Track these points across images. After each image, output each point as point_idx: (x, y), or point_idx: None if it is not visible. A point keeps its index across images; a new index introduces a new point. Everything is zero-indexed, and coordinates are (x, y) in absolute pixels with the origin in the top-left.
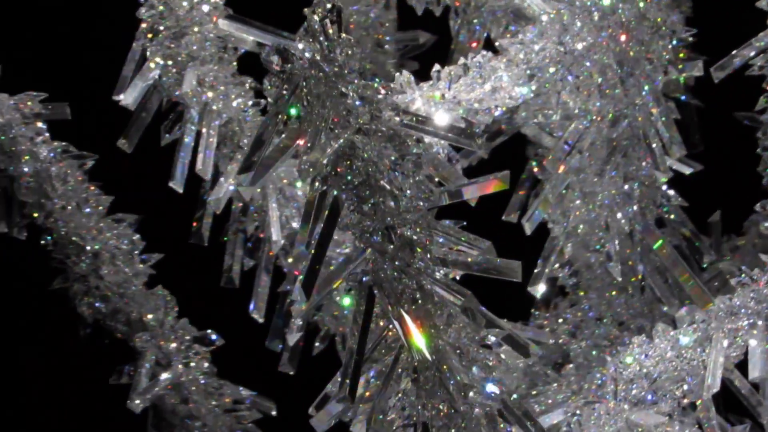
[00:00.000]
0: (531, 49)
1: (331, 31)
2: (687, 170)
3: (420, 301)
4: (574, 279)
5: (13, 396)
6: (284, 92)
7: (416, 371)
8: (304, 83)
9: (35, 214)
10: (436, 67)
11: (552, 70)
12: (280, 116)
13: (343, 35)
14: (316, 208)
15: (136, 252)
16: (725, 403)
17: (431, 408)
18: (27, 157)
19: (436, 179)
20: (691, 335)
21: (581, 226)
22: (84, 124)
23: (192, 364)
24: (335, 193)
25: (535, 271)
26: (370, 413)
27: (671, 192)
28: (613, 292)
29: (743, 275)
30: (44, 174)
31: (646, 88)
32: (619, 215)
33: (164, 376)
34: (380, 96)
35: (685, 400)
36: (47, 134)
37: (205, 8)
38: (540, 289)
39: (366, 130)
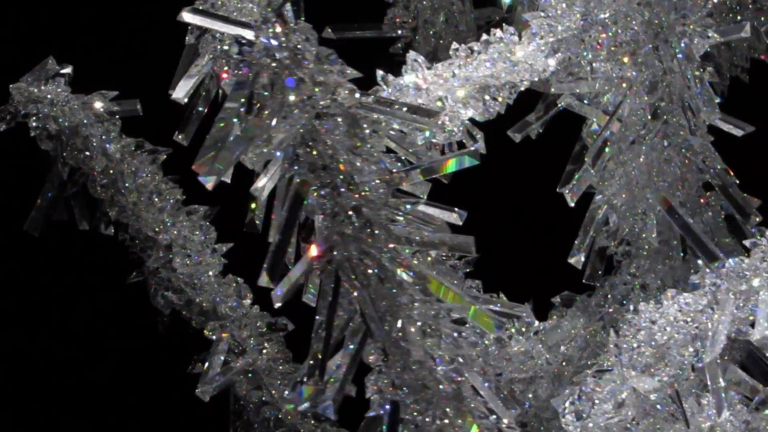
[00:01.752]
0: (555, 20)
1: (287, 18)
2: (738, 132)
3: (383, 282)
4: (624, 248)
5: (92, 389)
6: (242, 81)
7: (384, 352)
8: (261, 71)
9: (110, 211)
10: (454, 45)
11: (578, 39)
12: (238, 105)
13: (302, 21)
14: (282, 193)
15: (208, 243)
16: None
17: (401, 387)
18: (99, 155)
19: (404, 158)
20: (700, 299)
21: (623, 195)
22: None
23: (265, 350)
24: (299, 178)
25: (576, 242)
26: (339, 394)
27: (716, 155)
28: (657, 260)
29: (759, 236)
30: (116, 171)
31: (680, 54)
32: (659, 181)
33: (238, 363)
34: (338, 80)
35: (690, 366)
36: (119, 131)
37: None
38: (580, 260)
39: (324, 114)
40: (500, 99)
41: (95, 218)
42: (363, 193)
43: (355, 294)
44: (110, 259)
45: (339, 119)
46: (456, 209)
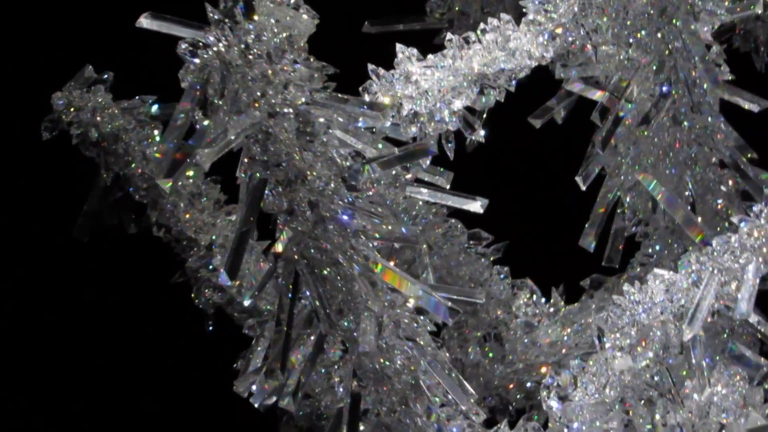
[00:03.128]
0: (553, 5)
1: (238, 18)
2: (754, 107)
3: (338, 275)
4: (643, 228)
5: (142, 390)
6: (195, 82)
7: (344, 344)
8: (213, 72)
9: (152, 214)
10: (448, 35)
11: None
12: (193, 107)
13: (256, 18)
14: (243, 191)
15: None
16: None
17: (361, 378)
18: (140, 160)
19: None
20: (685, 278)
21: (634, 176)
22: None
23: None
24: (258, 176)
25: (586, 225)
26: (297, 388)
27: (731, 131)
28: (672, 240)
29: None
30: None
31: (685, 35)
32: (668, 161)
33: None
34: (289, 77)
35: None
36: (159, 135)
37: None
38: (590, 243)
39: (276, 113)
40: (498, 87)
41: (142, 222)
42: (317, 189)
43: (312, 288)
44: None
45: (291, 117)
46: (477, 197)
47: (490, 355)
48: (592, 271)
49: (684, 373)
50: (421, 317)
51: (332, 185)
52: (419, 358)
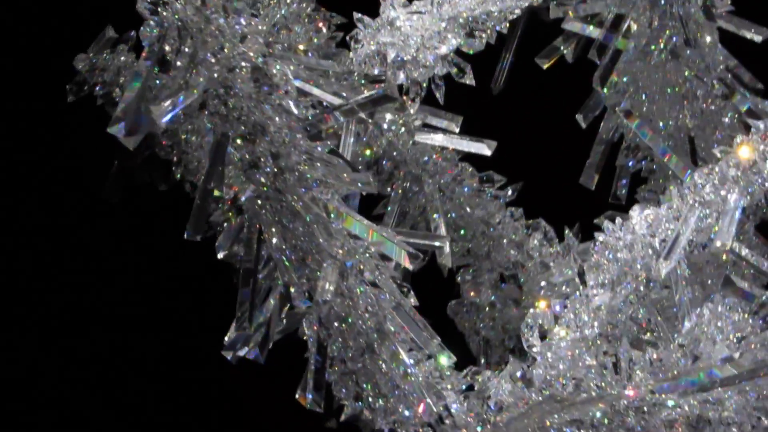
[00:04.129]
0: None
1: None
2: (757, 37)
3: (299, 225)
4: (650, 165)
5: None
6: (156, 38)
7: (309, 294)
8: (170, 29)
9: (176, 170)
10: None
11: None
12: (153, 62)
13: None
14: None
15: None
16: None
17: (327, 326)
18: None
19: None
20: (666, 212)
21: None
22: None
23: None
24: (220, 131)
25: (587, 162)
26: (267, 339)
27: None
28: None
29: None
30: (181, 131)
31: None
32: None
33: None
34: (246, 32)
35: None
36: None
37: None
38: (592, 180)
39: (234, 67)
40: (488, 30)
41: (170, 179)
42: (278, 141)
43: (274, 239)
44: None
45: (248, 70)
46: (486, 140)
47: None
48: (605, 209)
49: (668, 308)
50: (385, 263)
51: (293, 136)
52: (383, 303)
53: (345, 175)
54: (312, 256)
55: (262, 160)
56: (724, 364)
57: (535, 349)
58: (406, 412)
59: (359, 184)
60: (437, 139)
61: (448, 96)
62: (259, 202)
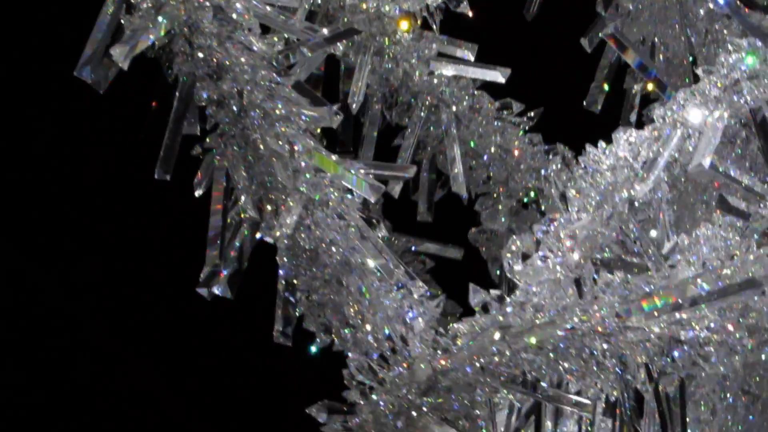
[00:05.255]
0: None
1: None
2: None
3: (264, 161)
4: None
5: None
6: None
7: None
8: None
9: None
10: None
11: None
12: (118, 7)
13: None
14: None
15: None
16: None
17: (295, 259)
18: None
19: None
20: (647, 133)
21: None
22: None
23: None
24: (186, 71)
25: (592, 85)
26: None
27: None
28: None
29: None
30: None
31: None
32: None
33: None
34: None
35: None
36: None
37: None
38: (597, 103)
39: (198, 8)
40: None
41: None
42: (243, 79)
43: (240, 176)
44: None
45: (209, 9)
46: (499, 68)
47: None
48: None
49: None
50: (350, 196)
51: (255, 74)
52: (349, 235)
53: (310, 109)
54: (277, 191)
55: (227, 98)
56: (695, 282)
57: (515, 274)
58: (373, 342)
59: (325, 118)
60: (453, 68)
61: (460, 26)
62: (225, 140)
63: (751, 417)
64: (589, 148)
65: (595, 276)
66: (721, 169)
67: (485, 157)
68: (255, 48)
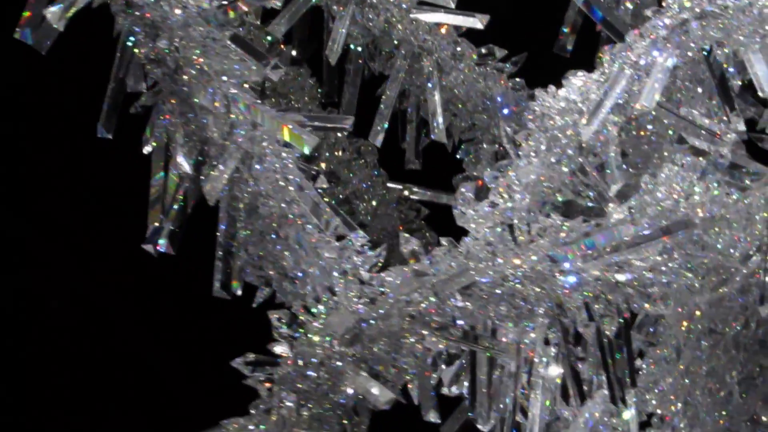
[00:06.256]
0: None
1: None
2: None
3: (199, 115)
4: None
5: None
6: None
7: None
8: None
9: None
10: None
11: None
12: None
13: None
14: None
15: None
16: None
17: (234, 213)
18: None
19: None
20: (596, 76)
21: None
22: None
23: None
24: (125, 28)
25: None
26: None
27: None
28: None
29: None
30: None
31: None
32: None
33: None
34: None
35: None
36: None
37: None
38: (567, 46)
39: None
40: None
41: None
42: (178, 35)
43: (178, 133)
44: None
45: None
46: (476, 14)
47: None
48: None
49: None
50: (290, 149)
51: (192, 29)
52: (286, 188)
53: (247, 63)
54: (212, 146)
55: (162, 55)
56: (626, 224)
57: (463, 220)
58: (312, 293)
59: (261, 72)
60: (433, 16)
61: None
62: (162, 97)
63: (715, 355)
64: (538, 92)
65: (536, 220)
66: (667, 109)
67: (468, 105)
68: (191, 3)
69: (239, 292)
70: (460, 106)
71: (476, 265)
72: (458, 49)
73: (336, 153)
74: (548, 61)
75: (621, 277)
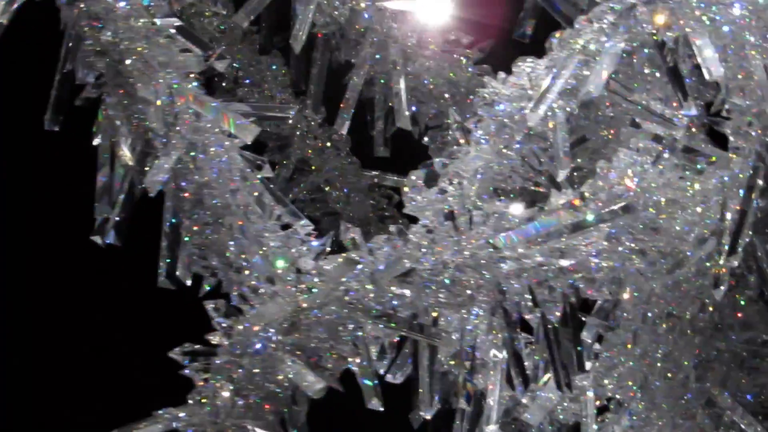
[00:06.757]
0: None
1: None
2: None
3: (140, 104)
4: None
5: None
6: None
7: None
8: None
9: None
10: None
11: None
12: None
13: None
14: None
15: None
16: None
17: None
18: None
19: None
20: (546, 62)
21: None
22: None
23: None
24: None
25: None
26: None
27: None
28: None
29: None
30: None
31: None
32: None
33: None
34: None
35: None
36: None
37: None
38: (525, 32)
39: None
40: None
41: None
42: (120, 27)
43: (120, 124)
44: None
45: None
46: (442, 1)
47: None
48: None
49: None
50: (233, 138)
51: (134, 21)
52: (230, 177)
53: (191, 54)
54: (158, 137)
55: (105, 47)
56: (568, 210)
57: (410, 208)
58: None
59: (201, 63)
60: (398, 3)
61: None
62: (107, 89)
63: (671, 339)
64: (487, 79)
65: (479, 207)
66: (619, 94)
67: (434, 91)
68: None
69: (189, 282)
70: (426, 93)
71: (414, 253)
72: (424, 36)
73: (308, 141)
74: (516, 49)
75: (564, 263)
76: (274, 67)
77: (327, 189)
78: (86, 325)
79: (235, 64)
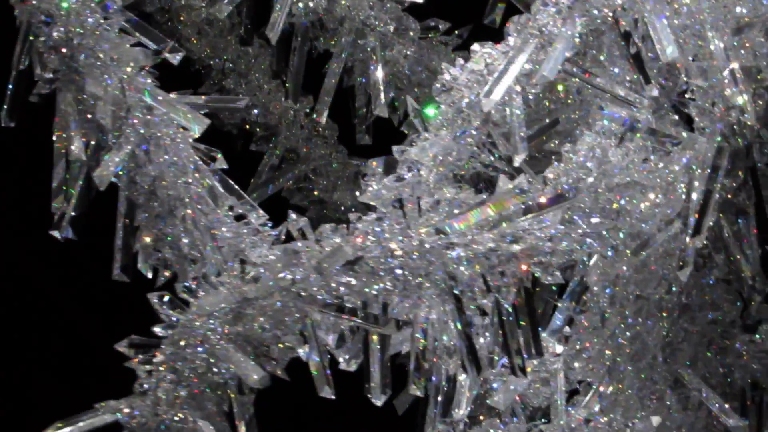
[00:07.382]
0: None
1: None
2: None
3: (94, 103)
4: None
5: None
6: None
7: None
8: None
9: None
10: None
11: None
12: None
13: None
14: None
15: None
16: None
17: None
18: None
19: None
20: (503, 47)
21: None
22: None
23: None
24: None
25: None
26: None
27: None
28: None
29: None
30: None
31: None
32: None
33: None
34: None
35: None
36: None
37: None
38: (496, 18)
39: None
40: None
41: None
42: (72, 23)
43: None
44: None
45: None
46: None
47: None
48: None
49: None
50: (185, 131)
51: (85, 17)
52: (183, 170)
53: (143, 47)
54: (107, 131)
55: (59, 43)
56: (518, 194)
57: (365, 196)
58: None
59: (153, 57)
60: None
61: None
62: (60, 84)
63: (639, 321)
64: (444, 66)
65: (429, 194)
66: (579, 78)
67: (413, 78)
68: None
69: (150, 275)
70: (404, 80)
71: (359, 242)
72: (402, 23)
73: (295, 130)
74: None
75: (516, 248)
76: (260, 57)
77: (314, 178)
78: (40, 319)
79: (223, 56)
